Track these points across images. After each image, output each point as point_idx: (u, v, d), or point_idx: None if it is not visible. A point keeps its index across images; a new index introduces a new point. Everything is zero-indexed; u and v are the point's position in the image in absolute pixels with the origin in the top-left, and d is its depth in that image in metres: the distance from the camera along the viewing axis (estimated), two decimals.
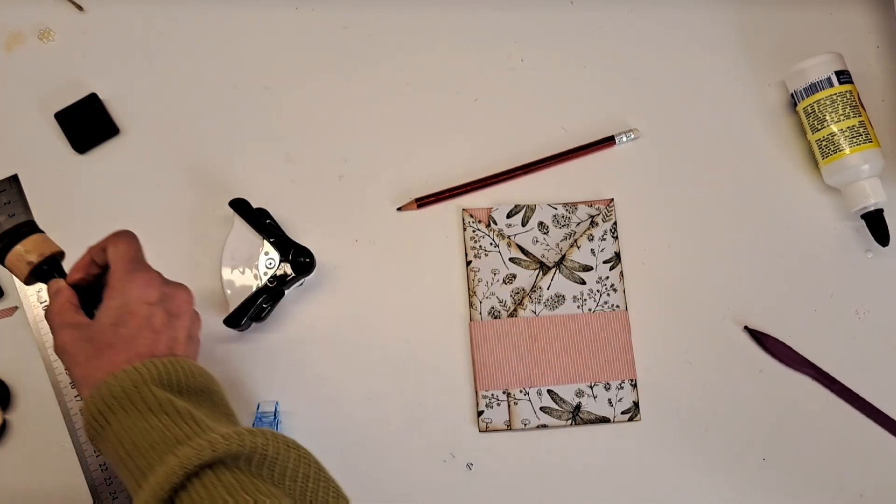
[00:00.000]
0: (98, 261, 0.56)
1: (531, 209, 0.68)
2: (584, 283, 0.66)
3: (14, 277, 0.65)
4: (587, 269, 0.67)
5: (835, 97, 0.66)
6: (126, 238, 0.56)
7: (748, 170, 0.70)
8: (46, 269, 0.57)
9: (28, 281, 0.57)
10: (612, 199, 0.68)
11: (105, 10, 0.71)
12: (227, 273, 0.64)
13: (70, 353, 0.52)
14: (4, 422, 0.63)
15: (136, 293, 0.52)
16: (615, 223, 0.68)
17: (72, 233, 0.66)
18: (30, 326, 0.65)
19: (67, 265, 0.58)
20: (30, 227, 0.58)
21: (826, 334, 0.66)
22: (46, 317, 0.55)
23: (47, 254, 0.57)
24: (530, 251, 0.67)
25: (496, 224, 0.67)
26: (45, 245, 0.57)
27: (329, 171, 0.69)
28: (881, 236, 0.66)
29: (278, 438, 0.48)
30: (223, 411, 0.52)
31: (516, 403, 0.64)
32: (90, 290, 0.57)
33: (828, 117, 0.66)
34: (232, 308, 0.63)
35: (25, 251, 0.56)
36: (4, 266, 0.57)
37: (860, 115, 0.66)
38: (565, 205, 0.68)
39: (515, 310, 0.66)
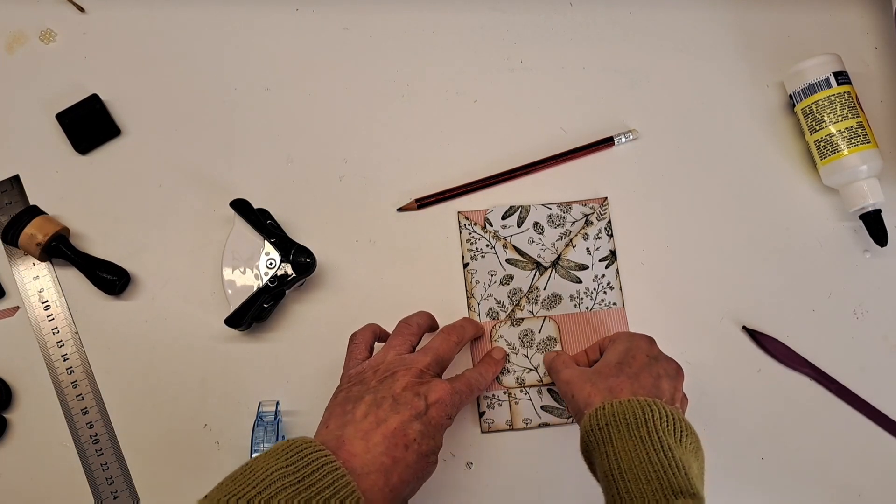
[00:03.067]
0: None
1: (526, 210, 0.68)
2: (580, 281, 0.66)
3: (15, 277, 0.66)
4: (583, 267, 0.67)
5: (833, 98, 0.66)
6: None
7: (747, 170, 0.70)
8: (55, 245, 0.64)
9: (42, 258, 0.64)
10: (606, 198, 0.68)
11: (106, 11, 0.71)
12: (228, 273, 0.64)
13: (575, 382, 0.58)
14: (5, 421, 0.63)
15: (640, 343, 0.59)
16: (609, 221, 0.68)
17: (73, 233, 0.67)
18: (31, 326, 0.65)
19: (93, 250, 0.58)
20: (33, 212, 0.64)
21: (824, 334, 0.67)
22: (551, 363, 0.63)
23: (52, 232, 0.63)
24: (526, 252, 0.67)
25: (492, 226, 0.67)
26: (49, 225, 0.64)
27: (329, 171, 0.69)
28: (879, 237, 0.66)
29: None
30: (701, 480, 0.53)
31: (517, 403, 0.65)
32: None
33: (826, 118, 0.67)
34: (233, 308, 0.63)
35: (34, 233, 0.63)
36: (19, 248, 0.64)
37: (858, 116, 0.66)
38: (559, 204, 0.68)
39: (513, 310, 0.66)
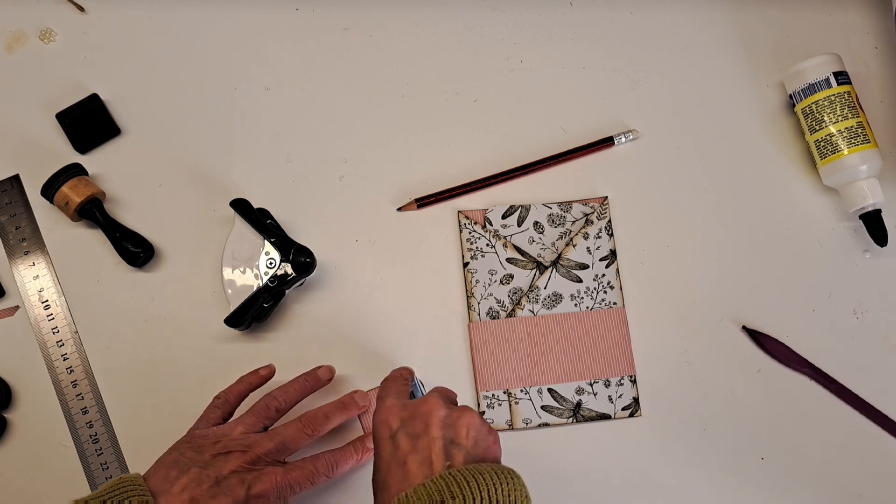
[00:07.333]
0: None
1: (526, 209, 0.68)
2: (580, 281, 0.66)
3: (15, 277, 0.66)
4: (583, 267, 0.67)
5: (833, 98, 0.66)
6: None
7: (747, 170, 0.70)
8: (89, 209, 0.65)
9: (74, 218, 0.65)
10: (607, 197, 0.68)
11: (106, 10, 0.71)
12: (228, 273, 0.64)
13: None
14: (5, 421, 0.63)
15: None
16: (609, 221, 0.68)
17: (73, 233, 0.67)
18: (31, 326, 0.65)
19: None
20: (75, 170, 0.65)
21: (824, 334, 0.67)
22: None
23: (89, 194, 0.64)
24: (527, 251, 0.67)
25: (492, 225, 0.67)
26: (87, 187, 0.64)
27: (329, 171, 0.69)
28: (879, 237, 0.66)
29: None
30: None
31: (517, 403, 0.65)
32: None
33: (826, 118, 0.67)
34: (233, 308, 0.63)
35: (70, 192, 0.64)
36: (54, 205, 0.65)
37: (858, 116, 0.66)
38: (560, 204, 0.68)
39: (513, 310, 0.66)
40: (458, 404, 0.53)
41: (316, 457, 0.58)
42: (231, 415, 0.60)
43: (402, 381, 0.57)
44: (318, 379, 0.62)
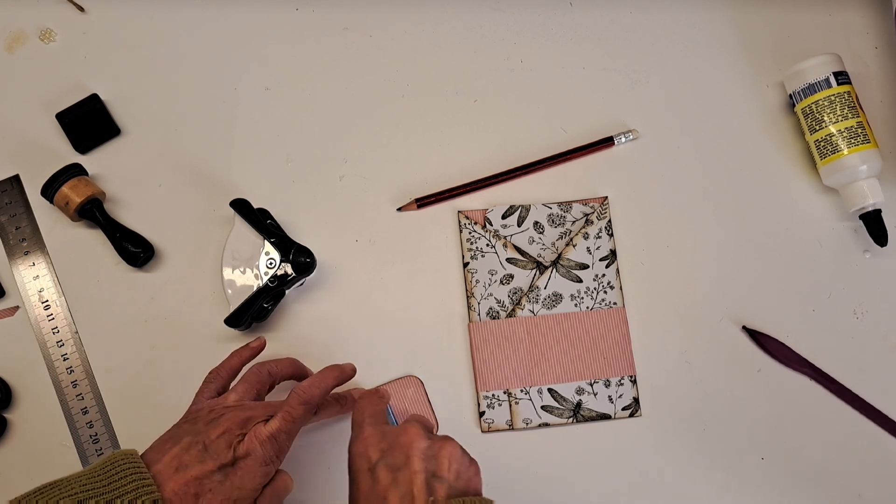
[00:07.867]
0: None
1: (526, 209, 0.68)
2: (580, 281, 0.67)
3: (15, 277, 0.66)
4: (583, 267, 0.67)
5: (833, 98, 0.66)
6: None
7: (747, 170, 0.70)
8: (89, 209, 0.65)
9: (74, 218, 0.65)
10: (607, 197, 0.68)
11: (106, 10, 0.71)
12: (227, 273, 0.64)
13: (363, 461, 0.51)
14: (5, 421, 0.63)
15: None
16: (609, 221, 0.68)
17: (73, 233, 0.67)
18: (31, 326, 0.65)
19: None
20: (75, 170, 0.65)
21: (824, 334, 0.67)
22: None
23: (89, 195, 0.64)
24: (527, 251, 0.67)
25: (492, 225, 0.67)
26: (87, 187, 0.64)
27: (329, 171, 0.69)
28: (879, 237, 0.66)
29: None
30: None
31: (517, 403, 0.65)
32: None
33: (826, 118, 0.67)
34: (233, 308, 0.63)
35: (70, 192, 0.64)
36: (54, 205, 0.65)
37: (858, 116, 0.66)
38: (560, 204, 0.68)
39: (513, 310, 0.66)
40: (439, 429, 0.52)
41: (288, 395, 0.56)
42: (225, 389, 0.60)
43: (377, 398, 0.56)
44: (304, 368, 0.62)
